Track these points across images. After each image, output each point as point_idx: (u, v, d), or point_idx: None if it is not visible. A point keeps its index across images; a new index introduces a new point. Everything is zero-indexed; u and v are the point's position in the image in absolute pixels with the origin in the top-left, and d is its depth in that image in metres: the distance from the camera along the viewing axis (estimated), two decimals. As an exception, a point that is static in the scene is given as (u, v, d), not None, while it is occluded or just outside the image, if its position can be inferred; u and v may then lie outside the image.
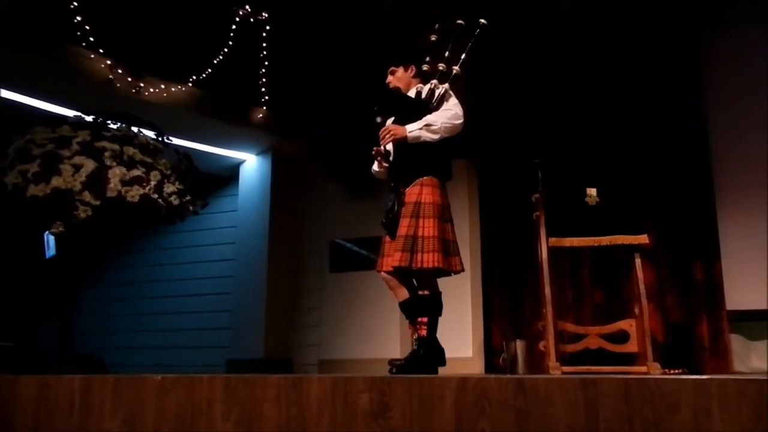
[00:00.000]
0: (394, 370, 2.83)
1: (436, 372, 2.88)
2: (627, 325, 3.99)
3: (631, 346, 3.93)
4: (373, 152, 3.14)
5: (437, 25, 3.19)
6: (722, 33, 5.36)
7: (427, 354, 2.92)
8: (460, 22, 3.17)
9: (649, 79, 5.35)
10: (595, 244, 3.99)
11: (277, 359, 5.96)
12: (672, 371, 4.08)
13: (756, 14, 5.24)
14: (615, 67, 5.42)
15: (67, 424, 2.00)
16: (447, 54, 3.15)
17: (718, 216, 5.09)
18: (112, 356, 4.40)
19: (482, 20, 3.11)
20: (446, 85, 3.10)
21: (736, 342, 4.95)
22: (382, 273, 3.05)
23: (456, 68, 3.12)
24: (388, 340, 5.65)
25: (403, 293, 3.04)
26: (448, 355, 3.02)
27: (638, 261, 3.93)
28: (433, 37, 3.20)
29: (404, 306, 3.07)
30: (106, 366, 3.22)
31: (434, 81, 3.13)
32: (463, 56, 3.13)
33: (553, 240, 3.97)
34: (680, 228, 5.14)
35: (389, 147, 3.14)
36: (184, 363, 6.19)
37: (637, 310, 3.93)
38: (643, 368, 3.72)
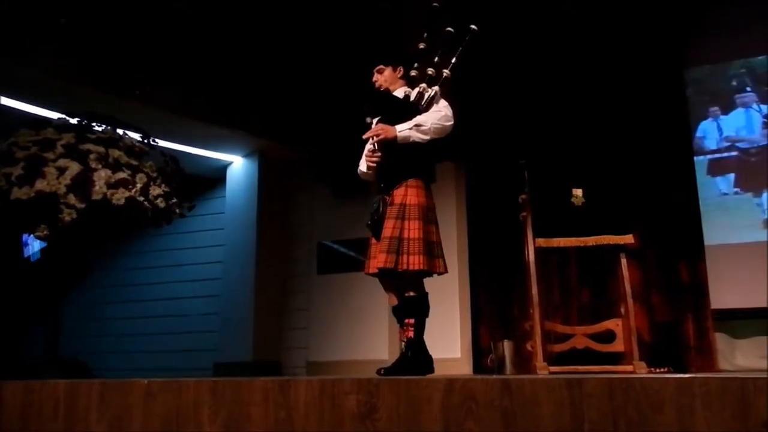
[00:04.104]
0: (382, 372, 2.84)
1: (424, 374, 2.88)
2: (613, 324, 4.02)
3: (618, 346, 3.96)
4: (371, 146, 3.11)
5: (426, 34, 3.20)
6: (705, 34, 5.42)
7: (416, 355, 2.93)
8: (449, 29, 3.18)
9: (632, 81, 5.40)
10: (582, 245, 4.02)
11: (265, 362, 5.94)
12: (658, 370, 4.12)
13: (737, 18, 5.31)
14: (599, 68, 5.46)
15: (53, 431, 1.99)
16: (436, 60, 3.16)
17: (702, 216, 5.14)
18: (98, 360, 4.37)
19: (473, 26, 3.13)
20: (436, 88, 3.11)
21: (721, 340, 5.00)
22: (379, 280, 3.06)
23: (446, 71, 3.12)
24: (377, 341, 5.66)
25: (395, 298, 3.05)
26: (436, 356, 3.02)
27: (624, 261, 3.96)
28: (422, 45, 3.20)
29: (395, 311, 3.08)
30: (90, 370, 3.19)
31: (423, 84, 3.13)
32: (453, 60, 3.14)
33: (539, 240, 4.00)
34: (665, 228, 5.19)
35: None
36: (172, 366, 6.15)
37: (623, 310, 3.97)
38: (629, 367, 3.76)
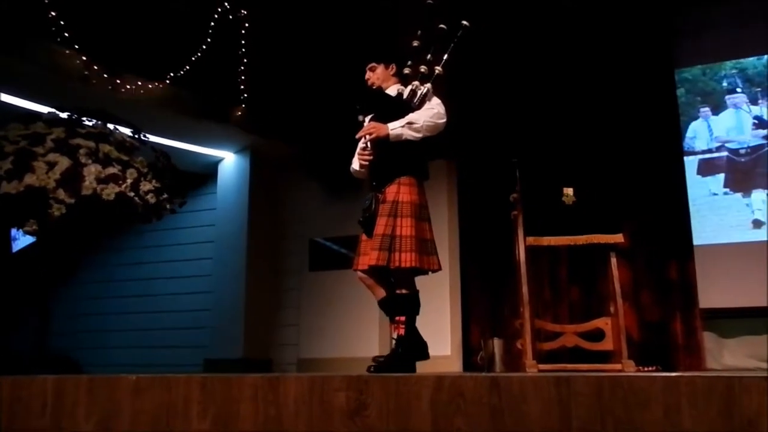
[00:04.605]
0: (372, 369, 2.84)
1: (414, 370, 2.89)
2: (603, 323, 4.04)
3: (607, 344, 3.98)
4: (363, 144, 3.11)
5: (419, 31, 3.20)
6: (696, 35, 5.46)
7: (406, 353, 2.93)
8: (442, 26, 3.18)
9: (624, 80, 5.42)
10: (572, 243, 4.03)
11: (255, 359, 5.93)
12: (646, 368, 4.14)
13: (728, 19, 5.35)
14: (591, 67, 5.48)
15: (40, 426, 1.98)
16: (429, 57, 3.16)
17: (691, 215, 5.18)
18: (87, 356, 4.35)
19: (465, 22, 3.13)
20: (428, 85, 3.10)
21: (709, 339, 5.04)
22: (359, 273, 3.05)
23: (438, 68, 3.12)
24: (367, 338, 5.66)
25: (381, 292, 3.05)
26: (426, 353, 3.03)
27: (614, 260, 3.98)
28: (416, 43, 3.20)
29: (383, 304, 3.08)
30: (80, 366, 3.18)
31: (416, 82, 3.13)
32: (445, 57, 3.14)
33: (530, 239, 4.01)
34: (655, 228, 5.22)
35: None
36: (162, 363, 6.14)
37: (612, 309, 3.99)
38: (618, 366, 3.77)
